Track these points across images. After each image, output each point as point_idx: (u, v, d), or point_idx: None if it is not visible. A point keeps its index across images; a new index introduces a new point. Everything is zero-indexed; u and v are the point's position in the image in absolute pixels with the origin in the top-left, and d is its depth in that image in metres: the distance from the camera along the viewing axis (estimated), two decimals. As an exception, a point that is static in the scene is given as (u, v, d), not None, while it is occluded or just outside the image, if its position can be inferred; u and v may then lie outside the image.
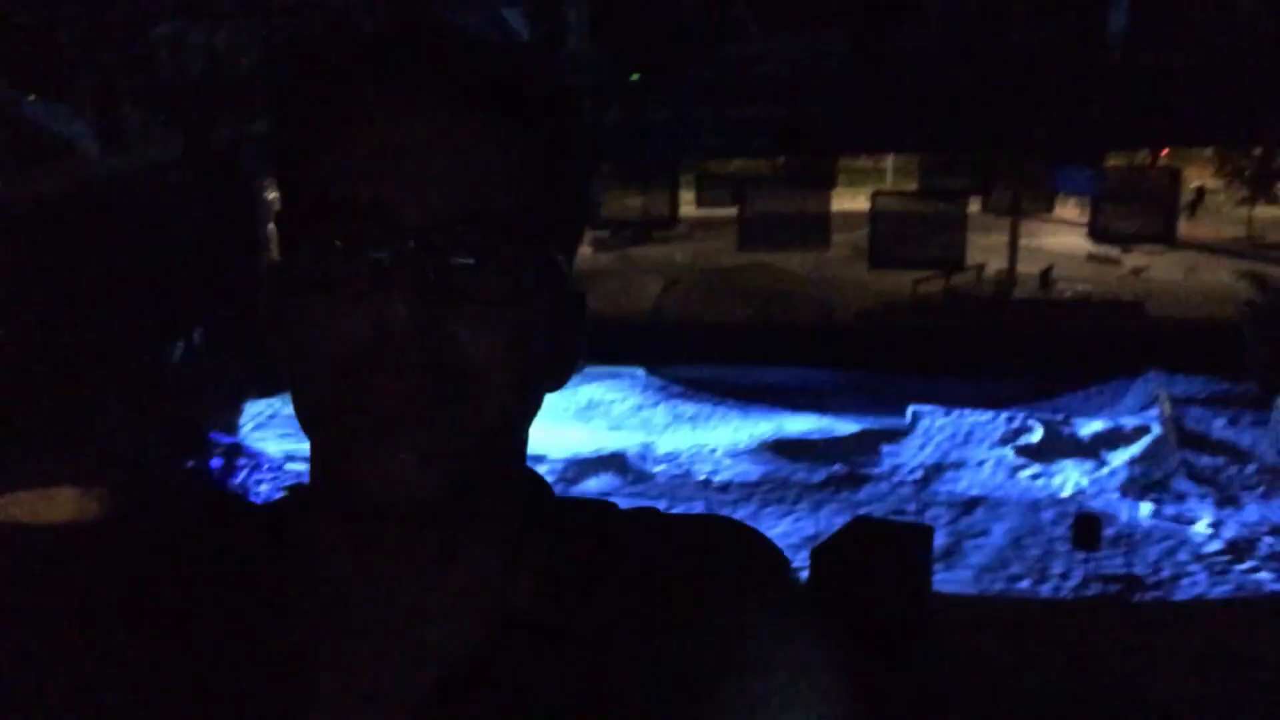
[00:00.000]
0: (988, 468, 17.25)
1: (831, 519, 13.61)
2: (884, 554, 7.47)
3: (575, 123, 0.74)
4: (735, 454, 17.90)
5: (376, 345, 0.65)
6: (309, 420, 0.69)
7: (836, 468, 16.44)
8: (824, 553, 8.26)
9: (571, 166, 0.74)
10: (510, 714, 0.69)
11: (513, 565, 0.74)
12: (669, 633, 0.71)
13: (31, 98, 7.15)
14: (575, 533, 0.76)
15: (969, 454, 17.71)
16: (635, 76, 8.43)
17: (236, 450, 14.41)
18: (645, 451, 18.30)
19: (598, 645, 0.71)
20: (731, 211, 18.83)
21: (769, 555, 0.77)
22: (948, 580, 11.00)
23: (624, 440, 19.03)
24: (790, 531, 13.18)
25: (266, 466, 13.88)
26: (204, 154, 7.46)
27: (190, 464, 10.29)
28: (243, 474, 13.91)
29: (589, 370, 20.18)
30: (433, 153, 0.66)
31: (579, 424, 19.25)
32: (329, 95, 0.68)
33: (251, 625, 0.73)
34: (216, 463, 12.31)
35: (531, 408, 0.73)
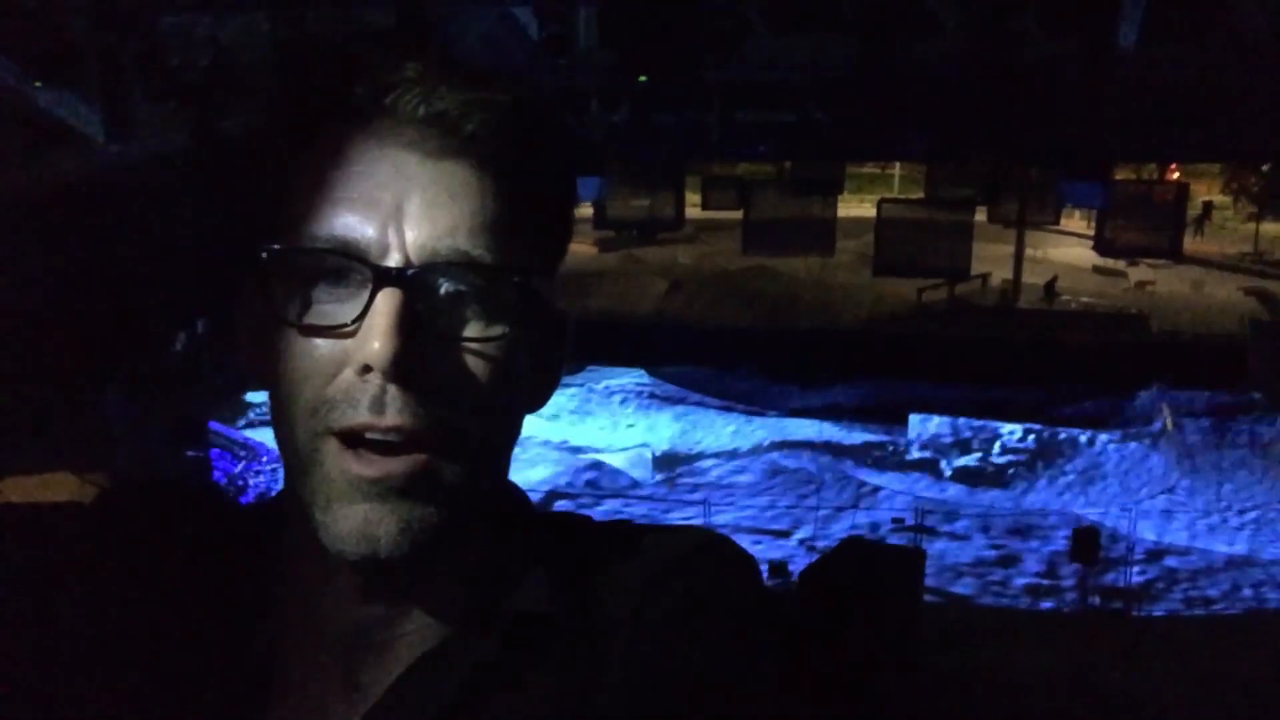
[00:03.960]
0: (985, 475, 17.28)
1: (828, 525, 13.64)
2: (874, 576, 7.51)
3: (559, 154, 0.73)
4: (735, 458, 17.91)
5: (359, 393, 0.64)
6: (289, 467, 0.68)
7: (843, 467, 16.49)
8: (815, 572, 8.26)
9: (554, 196, 0.73)
10: None
11: (486, 580, 0.73)
12: (641, 641, 0.71)
13: (39, 84, 7.16)
14: (551, 546, 0.76)
15: (965, 462, 17.74)
16: (643, 78, 8.42)
17: (234, 442, 14.44)
18: (645, 452, 18.30)
19: (571, 654, 0.71)
20: (737, 215, 18.85)
21: (739, 563, 0.76)
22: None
23: (624, 440, 19.04)
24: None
25: (265, 459, 13.92)
26: (209, 145, 7.47)
27: (189, 454, 10.31)
28: (240, 465, 13.94)
29: (590, 370, 20.21)
30: (416, 194, 0.66)
31: (580, 423, 19.25)
32: (314, 135, 0.67)
33: (222, 622, 0.73)
34: (215, 453, 12.28)
35: (513, 434, 0.73)
